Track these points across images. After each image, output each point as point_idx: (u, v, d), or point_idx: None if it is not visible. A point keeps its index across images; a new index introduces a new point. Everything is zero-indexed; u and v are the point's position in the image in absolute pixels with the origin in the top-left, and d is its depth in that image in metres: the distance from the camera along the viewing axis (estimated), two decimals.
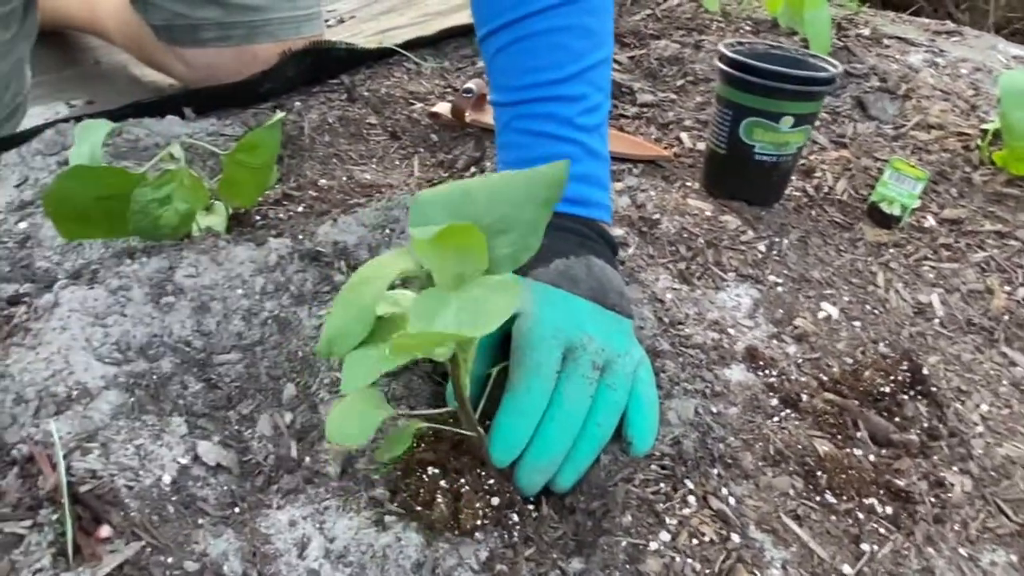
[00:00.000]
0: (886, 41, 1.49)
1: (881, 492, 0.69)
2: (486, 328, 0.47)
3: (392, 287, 0.54)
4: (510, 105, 0.78)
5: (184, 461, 0.63)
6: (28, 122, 1.22)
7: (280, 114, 0.76)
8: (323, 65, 1.26)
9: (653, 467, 0.66)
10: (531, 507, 0.64)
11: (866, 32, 1.49)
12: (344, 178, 0.99)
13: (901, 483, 0.70)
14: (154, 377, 0.68)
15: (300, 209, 0.89)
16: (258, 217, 0.87)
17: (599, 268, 0.71)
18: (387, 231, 0.82)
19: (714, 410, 0.72)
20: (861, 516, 0.67)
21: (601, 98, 0.77)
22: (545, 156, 0.67)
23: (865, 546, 0.65)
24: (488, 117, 1.11)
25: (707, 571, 0.60)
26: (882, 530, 0.66)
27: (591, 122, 0.76)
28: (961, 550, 0.67)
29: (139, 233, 0.75)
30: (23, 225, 0.88)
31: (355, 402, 0.57)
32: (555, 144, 0.75)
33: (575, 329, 0.65)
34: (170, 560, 0.56)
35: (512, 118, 0.78)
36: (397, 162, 1.08)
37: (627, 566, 0.59)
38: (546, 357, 0.63)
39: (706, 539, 0.62)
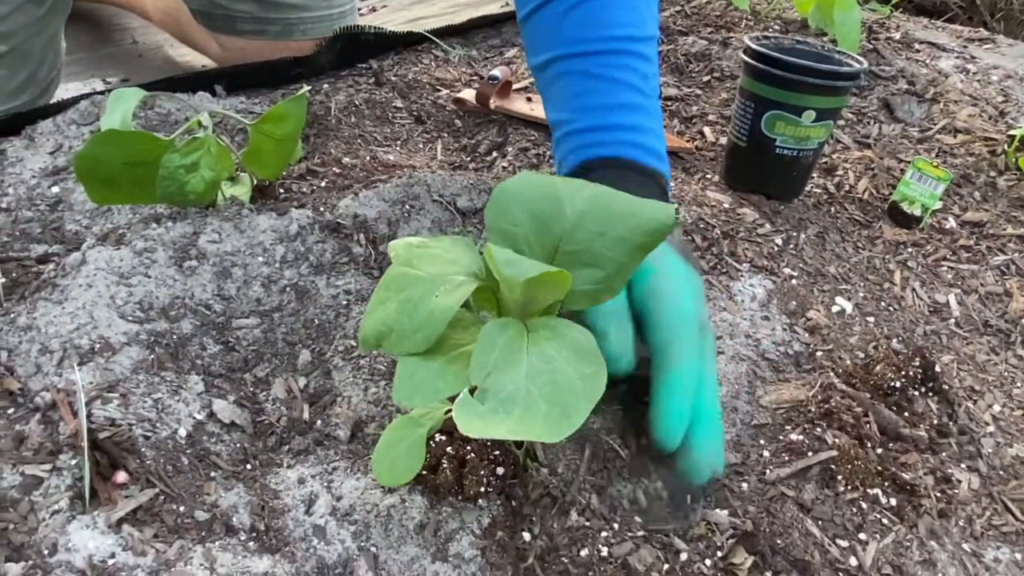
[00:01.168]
0: (917, 46, 1.48)
1: (886, 484, 0.69)
2: (556, 437, 0.44)
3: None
4: (586, 55, 0.76)
5: (200, 417, 0.64)
6: (64, 97, 1.25)
7: (306, 87, 0.78)
8: (352, 50, 1.28)
9: None
10: (534, 473, 0.64)
11: (897, 36, 1.48)
12: (368, 158, 1.00)
13: (907, 476, 0.70)
14: (174, 337, 0.70)
15: (323, 184, 0.91)
16: (282, 190, 0.89)
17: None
18: (407, 207, 0.83)
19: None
20: (865, 506, 0.67)
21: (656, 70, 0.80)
22: (621, 104, 0.73)
23: (866, 536, 0.65)
24: (513, 104, 1.12)
25: (711, 553, 0.60)
26: (885, 521, 0.67)
27: (656, 87, 0.79)
28: (965, 545, 0.67)
29: (166, 199, 0.77)
30: (55, 189, 0.91)
31: (401, 434, 0.57)
32: (633, 94, 0.75)
33: (704, 309, 0.64)
34: (182, 508, 0.58)
35: (590, 65, 0.76)
36: (421, 145, 1.09)
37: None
38: (695, 334, 0.60)
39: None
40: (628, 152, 0.73)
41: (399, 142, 1.09)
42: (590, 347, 0.48)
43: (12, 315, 0.69)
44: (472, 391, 0.47)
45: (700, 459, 0.58)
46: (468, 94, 1.16)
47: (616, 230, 0.50)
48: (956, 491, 0.71)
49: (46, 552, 0.53)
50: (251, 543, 0.58)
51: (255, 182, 0.86)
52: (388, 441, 0.58)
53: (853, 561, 0.63)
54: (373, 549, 0.58)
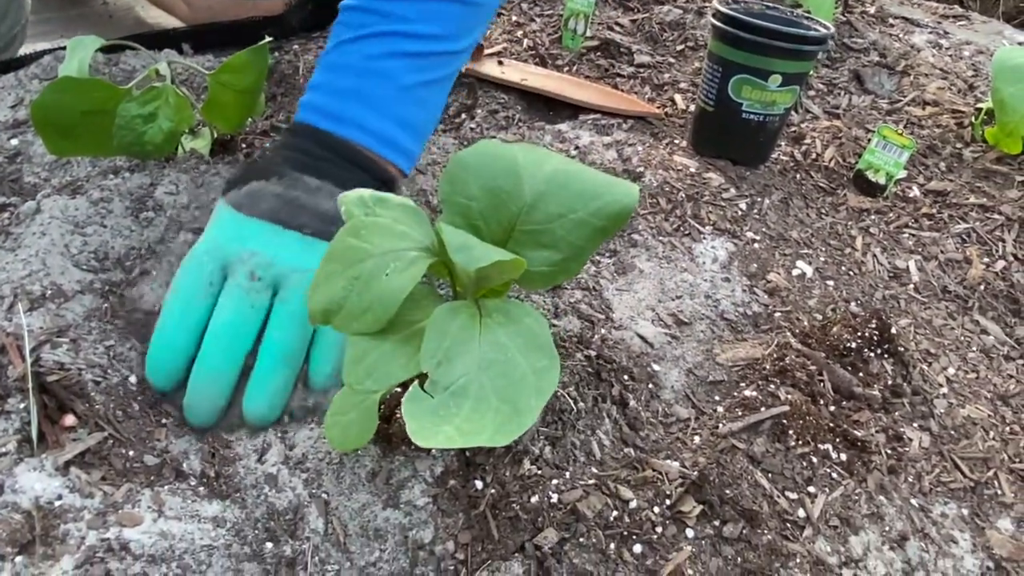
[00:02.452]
0: (891, 20, 1.48)
1: (838, 440, 0.70)
2: (506, 439, 0.43)
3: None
4: (344, 9, 0.73)
5: None
6: None
7: (267, 39, 0.76)
8: (323, 11, 1.26)
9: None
10: None
11: (872, 10, 1.49)
12: None
13: (859, 433, 0.71)
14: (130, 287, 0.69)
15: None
16: (244, 145, 0.88)
17: (304, 189, 0.65)
18: None
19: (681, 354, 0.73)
20: (815, 461, 0.68)
21: (437, 31, 0.71)
22: (332, 63, 0.70)
23: (815, 489, 0.66)
24: (483, 67, 1.11)
25: (660, 501, 0.61)
26: (835, 475, 0.68)
27: (433, 69, 0.72)
28: (913, 500, 0.69)
29: (123, 150, 0.76)
30: (14, 142, 0.90)
31: (353, 400, 0.54)
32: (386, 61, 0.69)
33: (233, 244, 0.62)
34: (131, 453, 0.57)
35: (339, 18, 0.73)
36: None
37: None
38: (192, 278, 0.62)
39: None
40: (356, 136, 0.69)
41: None
42: (544, 337, 0.47)
43: None
44: (422, 379, 0.46)
45: (186, 408, 0.62)
46: None
47: (576, 212, 0.48)
48: (907, 449, 0.72)
49: None
50: (201, 488, 0.58)
51: (215, 136, 0.85)
52: (339, 406, 0.56)
53: (801, 513, 0.64)
54: (324, 496, 0.58)
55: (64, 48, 1.07)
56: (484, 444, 0.43)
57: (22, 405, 0.58)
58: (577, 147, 0.97)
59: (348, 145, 0.69)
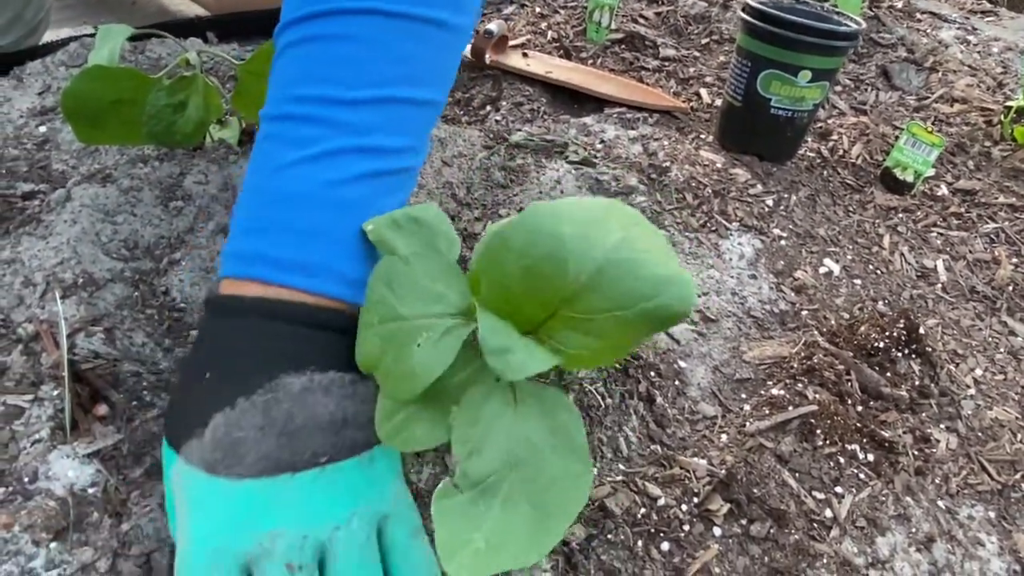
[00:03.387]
0: (918, 15, 1.47)
1: (865, 441, 0.70)
2: (535, 557, 0.41)
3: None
4: (271, 119, 0.54)
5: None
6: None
7: None
8: None
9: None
10: None
11: (899, 5, 1.47)
12: None
13: (886, 434, 0.70)
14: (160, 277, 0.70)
15: None
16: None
17: (290, 400, 0.47)
18: None
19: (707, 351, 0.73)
20: (842, 461, 0.68)
21: (403, 144, 0.54)
22: (279, 193, 0.51)
23: (842, 489, 0.66)
24: (508, 59, 1.11)
25: (687, 499, 0.61)
26: (862, 476, 0.67)
27: (376, 166, 0.53)
28: (940, 502, 0.68)
29: (153, 139, 0.76)
30: (42, 129, 0.90)
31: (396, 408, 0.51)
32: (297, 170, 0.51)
33: (247, 532, 0.44)
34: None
35: (267, 131, 0.54)
36: None
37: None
38: None
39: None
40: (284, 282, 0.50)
41: None
42: (579, 438, 0.45)
43: None
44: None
45: None
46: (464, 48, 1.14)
47: (623, 310, 0.43)
48: (934, 450, 0.72)
49: (26, 479, 0.54)
50: None
51: (243, 126, 0.85)
52: (389, 409, 0.56)
53: (828, 513, 0.64)
54: None
55: (88, 35, 1.08)
56: (508, 567, 0.41)
57: (55, 392, 0.58)
58: (603, 141, 0.96)
59: (317, 303, 0.50)
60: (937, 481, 0.70)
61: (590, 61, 1.19)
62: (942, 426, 0.74)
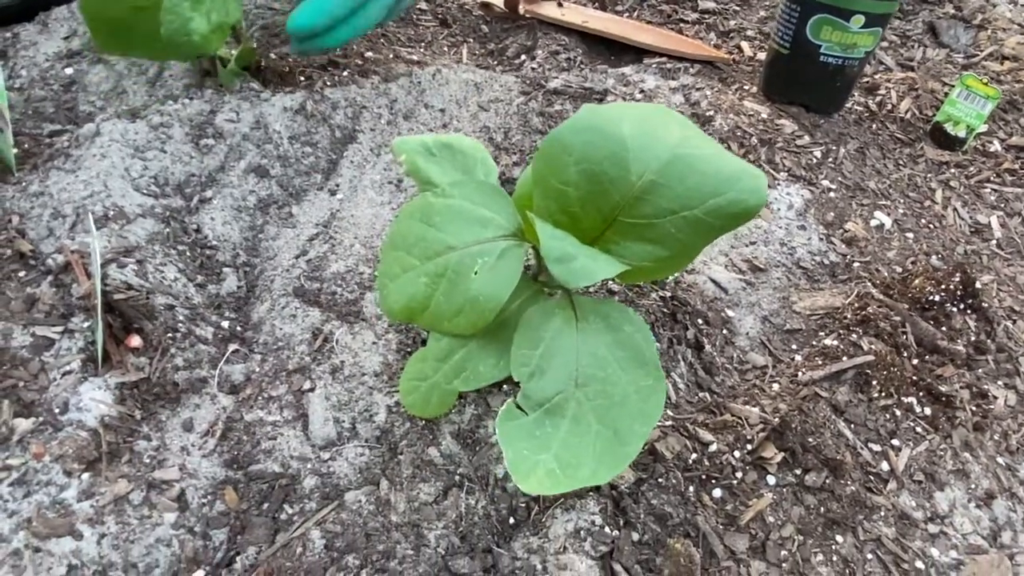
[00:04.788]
0: None
1: (921, 394, 0.67)
2: (609, 475, 0.39)
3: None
4: None
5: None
6: None
7: None
8: None
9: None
10: None
11: None
12: (391, 55, 0.96)
13: (943, 388, 0.67)
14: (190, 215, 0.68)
15: (344, 74, 0.87)
16: (302, 78, 0.85)
17: None
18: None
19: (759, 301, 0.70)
20: (899, 413, 0.65)
21: None
22: None
23: (899, 442, 0.63)
24: (544, 9, 1.07)
25: (740, 446, 0.58)
26: (919, 429, 0.64)
27: None
28: (999, 459, 0.65)
29: (170, 41, 0.71)
30: (69, 71, 0.88)
31: (428, 370, 0.50)
32: None
33: None
34: (203, 375, 0.56)
35: None
36: (445, 48, 1.05)
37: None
38: None
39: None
40: None
41: (423, 44, 1.05)
42: (648, 351, 0.42)
43: (24, 184, 0.67)
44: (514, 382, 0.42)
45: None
46: None
47: (691, 209, 0.40)
48: (992, 406, 0.69)
49: (57, 410, 0.52)
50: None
51: (257, 55, 0.81)
52: (417, 371, 0.52)
53: (885, 465, 0.61)
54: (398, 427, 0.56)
55: None
56: (585, 484, 0.39)
57: (86, 324, 0.56)
58: (642, 91, 0.93)
59: None
60: (996, 438, 0.67)
61: (626, 14, 1.15)
62: (1000, 383, 0.71)
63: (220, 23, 0.70)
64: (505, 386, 0.58)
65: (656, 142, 0.41)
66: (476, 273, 0.43)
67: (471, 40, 1.09)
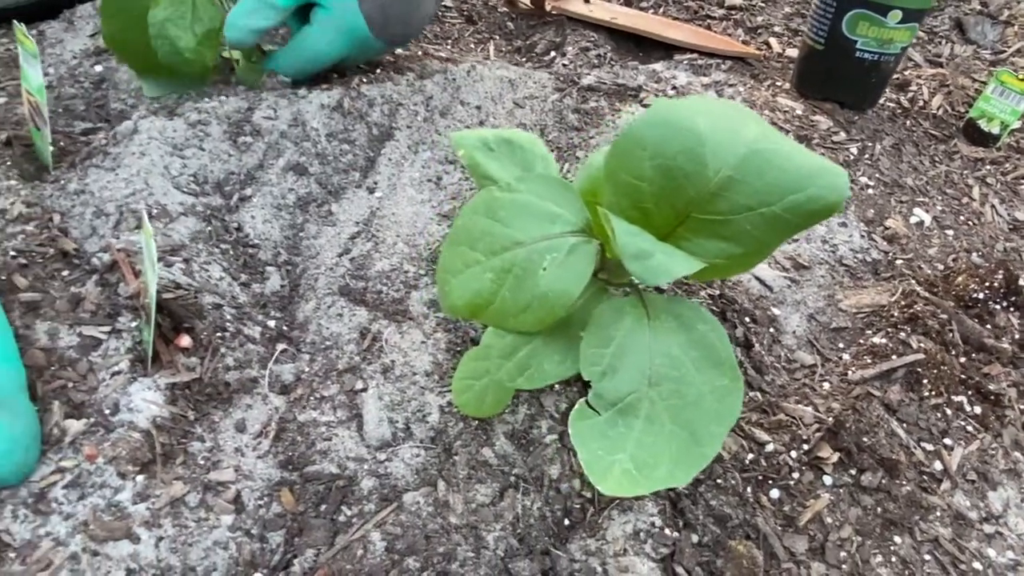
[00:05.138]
0: None
1: (970, 393, 0.66)
2: (686, 478, 0.38)
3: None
4: None
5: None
6: None
7: None
8: None
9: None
10: None
11: None
12: (419, 52, 0.96)
13: (991, 387, 0.67)
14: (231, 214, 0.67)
15: (379, 71, 0.86)
16: (335, 75, 0.84)
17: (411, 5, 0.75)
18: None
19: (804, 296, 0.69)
20: (949, 412, 0.64)
21: None
22: None
23: (951, 441, 0.62)
24: (571, 5, 1.06)
25: (797, 446, 0.58)
26: (970, 428, 0.64)
27: None
28: None
29: (168, 63, 0.71)
30: (98, 68, 0.87)
31: (483, 369, 0.50)
32: None
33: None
34: (253, 375, 0.55)
35: None
36: (472, 45, 1.04)
37: None
38: None
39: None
40: None
41: (450, 41, 1.04)
42: (724, 350, 0.41)
43: (62, 181, 0.66)
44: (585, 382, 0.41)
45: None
46: None
47: (769, 206, 0.39)
48: None
49: (107, 411, 0.51)
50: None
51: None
52: (470, 370, 0.52)
53: (938, 465, 0.60)
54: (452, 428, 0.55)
55: None
56: (662, 485, 0.38)
57: (133, 324, 0.55)
58: (674, 87, 0.92)
59: None
60: None
61: (651, 10, 1.14)
62: None
63: (206, 32, 0.70)
64: (556, 386, 0.58)
65: (733, 137, 0.40)
66: (544, 269, 0.42)
67: (497, 37, 1.08)
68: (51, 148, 0.68)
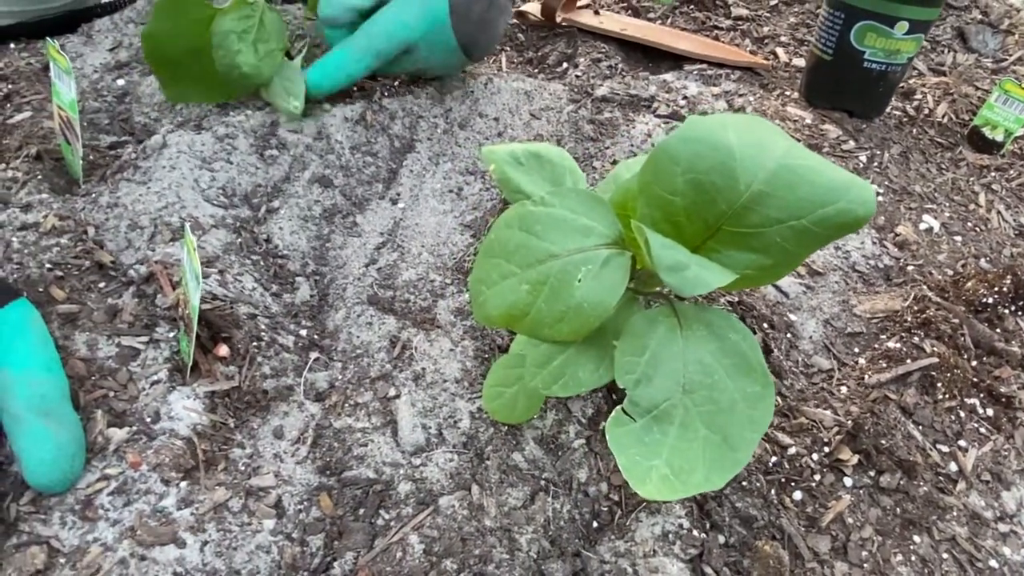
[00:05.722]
0: None
1: (983, 395, 0.68)
2: (721, 481, 0.39)
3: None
4: None
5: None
6: None
7: None
8: None
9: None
10: None
11: None
12: None
13: (1003, 389, 0.68)
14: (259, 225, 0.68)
15: (398, 84, 0.88)
16: (355, 89, 0.86)
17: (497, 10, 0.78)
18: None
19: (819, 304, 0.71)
20: (963, 415, 0.66)
21: None
22: None
23: (965, 443, 0.64)
24: (582, 17, 1.08)
25: (818, 448, 0.59)
26: (983, 430, 0.65)
27: None
28: None
29: (224, 74, 0.73)
30: (121, 83, 0.89)
31: (515, 376, 0.52)
32: None
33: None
34: (288, 383, 0.56)
35: None
36: (484, 57, 1.06)
37: None
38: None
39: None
40: None
41: None
42: (755, 358, 0.42)
43: (93, 195, 0.68)
44: (619, 393, 0.42)
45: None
46: (532, 7, 1.12)
47: (798, 219, 0.40)
48: None
49: (148, 419, 0.52)
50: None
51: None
52: (501, 377, 0.54)
53: (953, 466, 0.62)
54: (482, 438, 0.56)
55: None
56: (699, 489, 0.39)
57: (171, 334, 0.57)
58: (685, 97, 0.94)
59: None
60: None
61: (659, 21, 1.16)
62: None
63: (268, 52, 0.71)
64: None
65: (763, 152, 0.41)
66: (580, 281, 0.43)
67: (508, 49, 1.10)
68: (81, 162, 0.70)
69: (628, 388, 0.42)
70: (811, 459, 0.58)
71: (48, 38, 0.69)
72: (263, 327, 0.58)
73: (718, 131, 0.42)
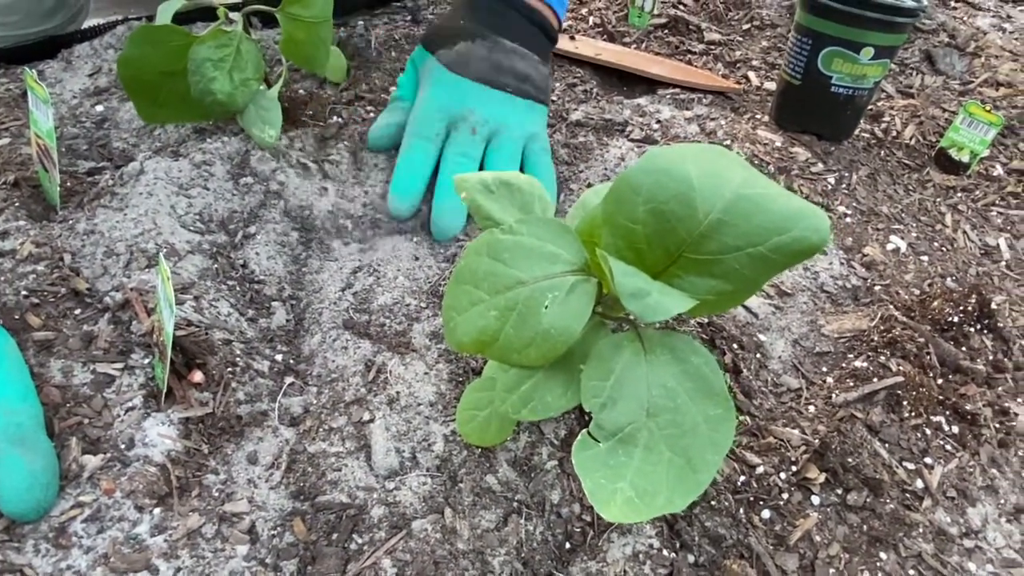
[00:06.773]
0: (953, 3, 1.46)
1: (948, 413, 0.69)
2: (683, 503, 0.41)
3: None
4: None
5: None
6: None
7: None
8: None
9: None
10: None
11: None
12: None
13: (968, 407, 0.70)
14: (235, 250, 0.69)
15: (371, 112, 0.89)
16: (334, 116, 0.87)
17: (504, 51, 0.79)
18: None
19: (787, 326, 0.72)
20: (929, 432, 0.67)
21: None
22: None
23: (931, 460, 0.65)
24: (560, 43, 1.10)
25: (785, 467, 0.60)
26: (948, 447, 0.67)
27: None
28: None
29: (200, 101, 0.73)
30: (99, 108, 0.89)
31: (487, 400, 0.53)
32: None
33: (458, 105, 0.77)
34: (263, 408, 0.57)
35: None
36: None
37: None
38: (428, 128, 0.77)
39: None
40: None
41: None
42: (716, 382, 0.44)
43: (70, 221, 0.68)
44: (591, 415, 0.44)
45: (434, 220, 0.74)
46: None
47: (755, 246, 0.42)
48: (1014, 423, 0.71)
49: (123, 446, 0.53)
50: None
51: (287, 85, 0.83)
52: (473, 401, 0.54)
53: (919, 483, 0.63)
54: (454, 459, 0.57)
55: (133, 18, 1.07)
56: (662, 511, 0.40)
57: (145, 360, 0.57)
58: (658, 121, 0.96)
59: (540, 8, 0.84)
60: (1020, 454, 0.69)
61: (633, 46, 1.18)
62: (1019, 400, 0.74)
63: (243, 81, 0.72)
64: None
65: (721, 182, 0.43)
66: (546, 307, 0.44)
67: None
68: (59, 189, 0.70)
69: (594, 411, 0.43)
70: (779, 478, 0.59)
71: (26, 67, 0.70)
72: (238, 353, 0.59)
73: (677, 162, 0.43)
